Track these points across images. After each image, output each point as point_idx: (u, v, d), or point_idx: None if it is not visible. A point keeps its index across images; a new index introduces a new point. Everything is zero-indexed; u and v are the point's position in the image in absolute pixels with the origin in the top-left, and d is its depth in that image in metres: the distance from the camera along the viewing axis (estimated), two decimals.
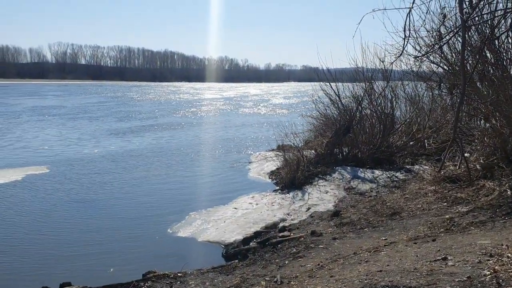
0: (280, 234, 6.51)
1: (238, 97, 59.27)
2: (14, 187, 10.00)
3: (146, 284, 5.06)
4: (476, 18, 5.35)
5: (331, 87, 11.92)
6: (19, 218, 7.95)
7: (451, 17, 6.50)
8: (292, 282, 4.31)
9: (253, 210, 8.03)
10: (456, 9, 5.51)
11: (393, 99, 11.98)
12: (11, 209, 8.45)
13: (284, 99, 52.44)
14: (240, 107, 39.60)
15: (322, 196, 8.62)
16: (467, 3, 4.86)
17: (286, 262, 5.33)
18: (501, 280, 3.32)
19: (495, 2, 5.70)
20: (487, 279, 3.38)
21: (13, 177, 10.84)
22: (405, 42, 4.81)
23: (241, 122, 26.25)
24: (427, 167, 9.92)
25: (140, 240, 6.91)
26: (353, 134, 11.27)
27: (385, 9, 4.92)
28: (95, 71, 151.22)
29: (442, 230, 5.61)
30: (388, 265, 4.11)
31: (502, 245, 4.24)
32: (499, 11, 5.02)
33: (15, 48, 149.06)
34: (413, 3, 4.51)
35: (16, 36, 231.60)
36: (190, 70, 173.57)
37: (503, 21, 5.79)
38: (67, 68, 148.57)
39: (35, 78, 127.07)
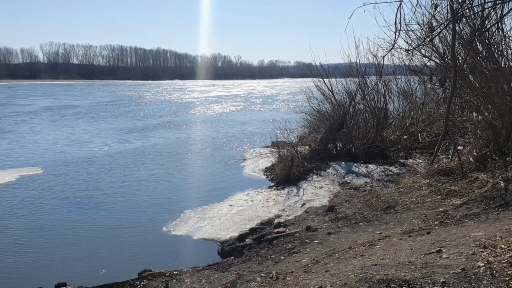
0: (276, 230, 6.52)
1: (246, 94, 59.09)
2: (9, 187, 9.93)
3: (142, 282, 5.04)
4: (467, 10, 5.36)
5: (324, 82, 11.92)
6: (14, 218, 7.89)
7: (441, 9, 6.51)
8: (287, 278, 4.31)
9: (248, 207, 8.03)
10: (446, 1, 5.52)
11: (386, 93, 12.00)
12: (6, 209, 8.39)
13: (290, 95, 52.11)
14: (250, 104, 39.48)
15: (317, 191, 8.63)
16: None
17: (282, 257, 5.33)
18: (495, 271, 3.34)
19: None
20: (481, 271, 3.40)
21: (6, 178, 10.76)
22: (397, 36, 4.82)
23: (245, 119, 26.12)
24: (420, 161, 9.96)
25: (136, 239, 6.89)
26: (347, 129, 11.27)
27: (376, 2, 4.92)
28: (88, 71, 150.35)
29: (436, 223, 5.64)
30: (383, 259, 4.12)
31: (496, 236, 4.26)
32: (489, 3, 5.03)
33: (7, 49, 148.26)
34: None
35: (7, 37, 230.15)
36: (183, 68, 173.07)
37: (493, 12, 5.81)
38: (59, 68, 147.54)
39: (27, 78, 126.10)
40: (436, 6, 6.00)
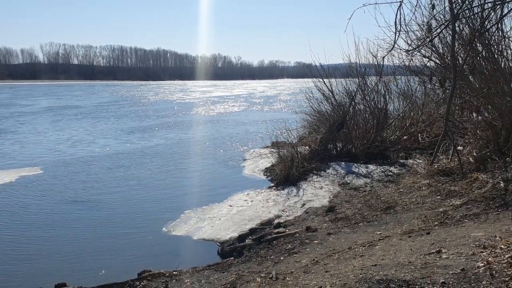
0: (275, 231, 6.51)
1: (247, 94, 59.02)
2: (10, 187, 9.93)
3: (142, 283, 5.04)
4: (466, 11, 5.36)
5: (324, 83, 11.92)
6: (14, 219, 7.89)
7: (441, 10, 6.51)
8: (287, 278, 4.31)
9: (248, 207, 8.03)
10: (446, 2, 5.52)
11: (386, 93, 11.99)
12: (5, 209, 8.39)
13: (291, 96, 52.01)
14: (251, 105, 39.51)
15: (317, 192, 8.62)
16: None
17: (282, 258, 5.33)
18: (494, 272, 3.34)
19: None
20: (480, 271, 3.40)
21: (6, 178, 10.76)
22: (396, 36, 4.82)
23: (246, 119, 26.12)
24: (420, 161, 9.95)
25: (135, 239, 6.89)
26: (347, 130, 11.27)
27: (376, 3, 4.93)
28: (88, 71, 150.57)
29: (436, 223, 5.63)
30: (382, 259, 4.12)
31: (496, 237, 4.26)
32: (489, 4, 5.04)
33: (7, 49, 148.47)
34: None
35: (7, 37, 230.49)
36: (184, 69, 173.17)
37: (492, 13, 5.81)
38: (59, 68, 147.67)
39: (27, 79, 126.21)
40: (433, 6, 6.00)
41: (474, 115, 9.78)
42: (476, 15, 6.61)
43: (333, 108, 11.89)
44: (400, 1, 4.61)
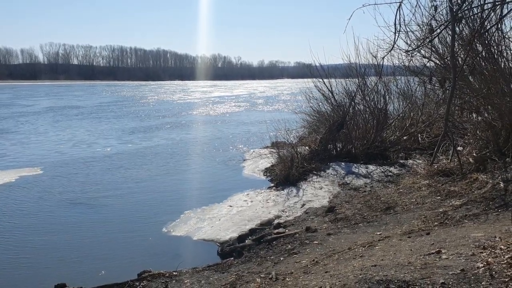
0: (275, 231, 6.51)
1: (248, 95, 58.99)
2: (10, 187, 9.93)
3: (142, 283, 5.04)
4: (466, 11, 5.36)
5: (324, 83, 11.92)
6: (13, 219, 7.89)
7: (441, 10, 6.51)
8: (287, 279, 4.31)
9: (248, 207, 8.02)
10: (446, 2, 5.52)
11: (386, 94, 12.00)
12: (5, 210, 8.39)
13: (291, 96, 51.96)
14: (252, 105, 39.51)
15: (317, 192, 8.62)
16: None
17: (281, 258, 5.33)
18: (494, 272, 3.34)
19: None
20: (480, 271, 3.40)
21: (6, 179, 10.76)
22: (396, 37, 4.82)
23: (247, 119, 26.10)
24: (420, 162, 9.95)
25: (135, 240, 6.89)
26: (347, 130, 11.27)
27: (376, 4, 4.93)
28: (88, 71, 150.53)
29: (436, 223, 5.64)
30: (382, 260, 4.12)
31: (495, 237, 4.27)
32: (489, 4, 5.04)
33: (7, 49, 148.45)
34: None
35: (7, 37, 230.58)
36: (184, 69, 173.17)
37: (492, 13, 5.81)
38: (59, 68, 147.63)
39: (27, 79, 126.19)
40: (436, 8, 6.00)
41: (474, 115, 9.77)
42: (476, 15, 6.60)
43: (333, 109, 11.89)
44: (399, 2, 4.62)
